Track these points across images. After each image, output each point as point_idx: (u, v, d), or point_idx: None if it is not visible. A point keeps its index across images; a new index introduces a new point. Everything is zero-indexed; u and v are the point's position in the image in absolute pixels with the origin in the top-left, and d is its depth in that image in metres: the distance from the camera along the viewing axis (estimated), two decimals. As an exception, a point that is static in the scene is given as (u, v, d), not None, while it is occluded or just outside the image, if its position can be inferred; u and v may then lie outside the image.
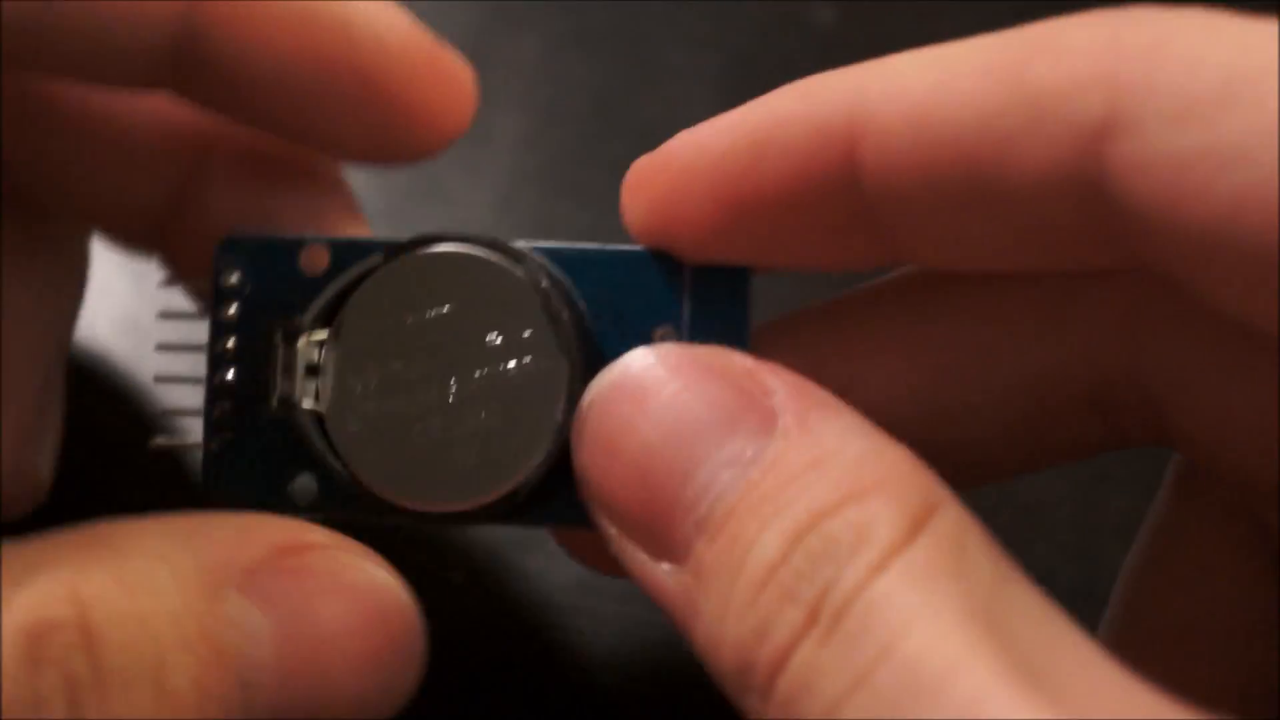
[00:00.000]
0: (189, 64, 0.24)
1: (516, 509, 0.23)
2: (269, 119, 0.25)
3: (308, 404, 0.23)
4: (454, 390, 0.23)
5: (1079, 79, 0.19)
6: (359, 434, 0.23)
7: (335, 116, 0.25)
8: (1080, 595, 0.21)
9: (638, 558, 0.21)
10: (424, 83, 0.25)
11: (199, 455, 0.24)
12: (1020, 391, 0.23)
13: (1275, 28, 0.19)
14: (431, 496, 0.23)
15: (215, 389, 0.24)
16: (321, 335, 0.24)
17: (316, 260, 0.24)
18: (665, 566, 0.21)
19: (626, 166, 0.23)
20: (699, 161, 0.22)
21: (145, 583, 0.21)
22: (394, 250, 0.24)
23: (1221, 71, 0.18)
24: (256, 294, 0.24)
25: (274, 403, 0.24)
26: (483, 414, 0.23)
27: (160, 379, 0.26)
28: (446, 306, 0.23)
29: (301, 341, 0.24)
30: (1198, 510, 0.23)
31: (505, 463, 0.23)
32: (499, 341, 0.23)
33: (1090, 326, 0.23)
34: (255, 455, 0.24)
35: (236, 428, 0.24)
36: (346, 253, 0.24)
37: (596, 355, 0.23)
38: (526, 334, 0.23)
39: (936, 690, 0.17)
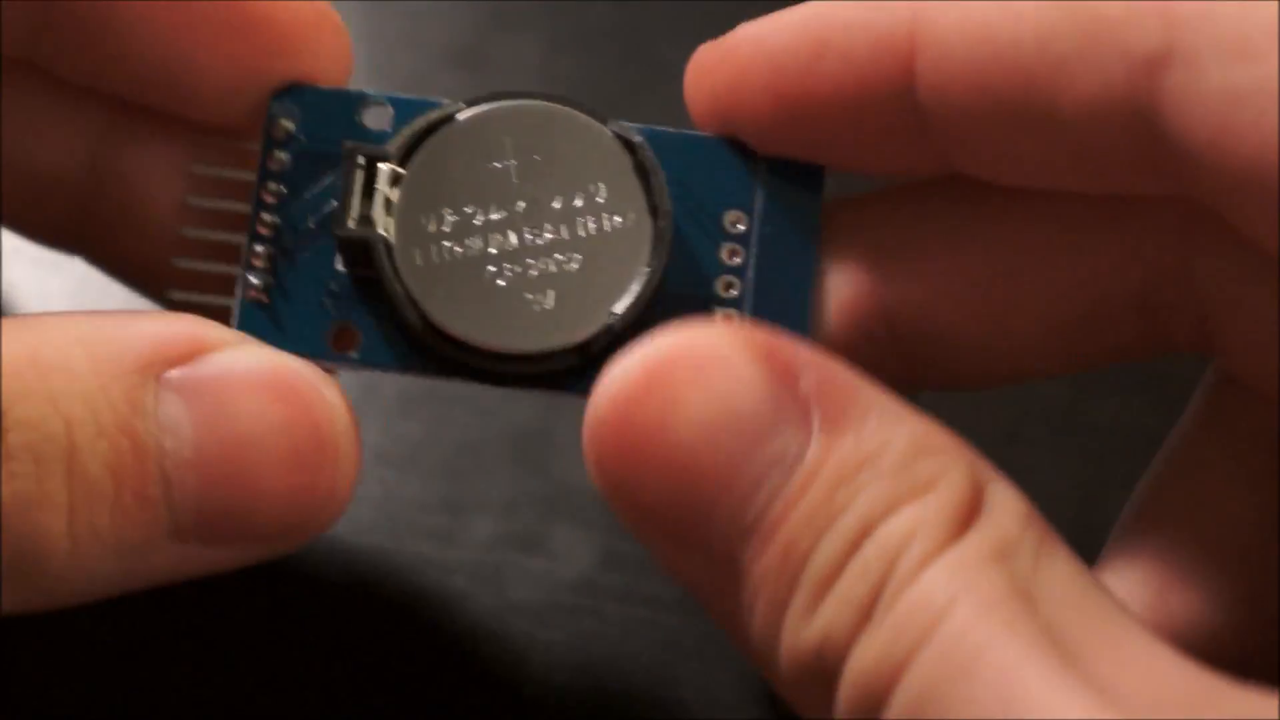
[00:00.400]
0: (51, 14, 0.23)
1: (586, 366, 0.22)
2: (127, 66, 0.24)
3: (381, 230, 0.23)
4: (532, 238, 0.23)
5: (1136, 7, 0.19)
6: (428, 270, 0.23)
7: (203, 61, 0.23)
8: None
9: (671, 556, 0.21)
10: (294, 26, 0.24)
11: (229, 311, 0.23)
12: (1073, 290, 0.23)
13: None
14: (503, 335, 0.22)
15: (255, 236, 0.23)
16: (400, 169, 0.23)
17: (379, 117, 0.24)
18: (706, 564, 0.20)
19: (626, 166, 0.23)
20: (758, 55, 0.22)
21: (60, 363, 0.20)
22: (477, 100, 0.23)
23: (1277, 10, 0.18)
24: (312, 144, 0.24)
25: (351, 224, 0.23)
26: (563, 262, 0.23)
27: (189, 233, 0.24)
28: (529, 157, 0.23)
29: (384, 167, 0.23)
30: (1226, 425, 0.23)
31: (584, 309, 0.22)
32: (583, 196, 0.23)
33: (1146, 229, 0.23)
34: (295, 304, 0.23)
35: (274, 276, 0.23)
36: (411, 113, 0.24)
37: (674, 234, 0.23)
38: (612, 190, 0.23)
39: (971, 668, 0.18)
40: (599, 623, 0.28)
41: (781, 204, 0.23)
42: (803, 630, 0.19)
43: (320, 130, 0.24)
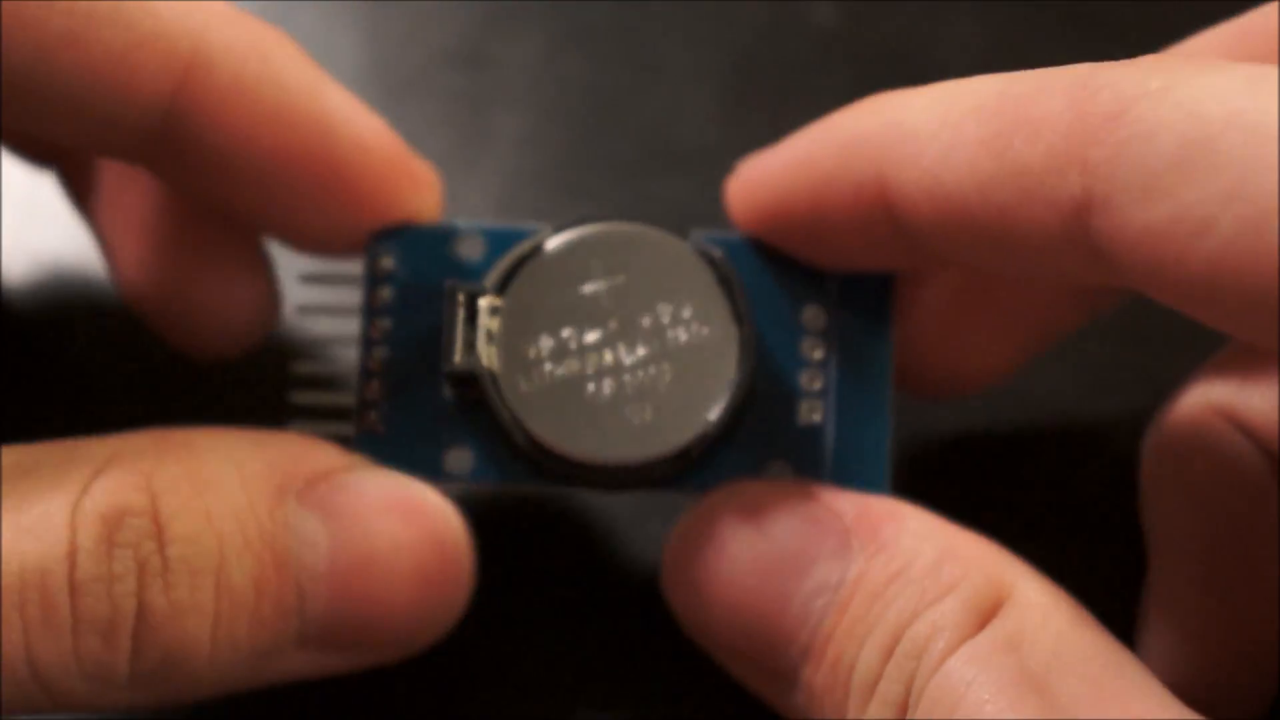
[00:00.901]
0: (170, 144, 0.24)
1: (686, 469, 0.24)
2: (237, 203, 0.25)
3: (485, 362, 0.24)
4: (625, 356, 0.24)
5: (1053, 159, 0.20)
6: (531, 393, 0.24)
7: (304, 209, 0.25)
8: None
9: (756, 682, 0.23)
10: (395, 182, 0.25)
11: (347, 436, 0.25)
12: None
13: (1236, 72, 0.19)
14: (606, 449, 0.24)
15: (367, 371, 0.25)
16: (498, 301, 0.24)
17: (471, 248, 0.25)
18: (782, 687, 0.23)
19: (626, 166, 0.23)
20: (773, 198, 0.24)
21: (214, 481, 0.22)
22: (563, 226, 0.24)
23: (1177, 138, 0.19)
24: (413, 278, 0.25)
25: (457, 359, 0.24)
26: (656, 376, 0.24)
27: (304, 310, 0.26)
28: (617, 278, 0.24)
29: (483, 302, 0.24)
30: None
31: (680, 418, 0.24)
32: (670, 310, 0.24)
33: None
34: (407, 431, 0.25)
35: (388, 406, 0.25)
36: (500, 241, 0.25)
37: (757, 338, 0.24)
38: (697, 303, 0.24)
39: None
40: (599, 622, 0.28)
41: (856, 298, 0.25)
42: None
43: (418, 264, 0.25)
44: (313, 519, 0.22)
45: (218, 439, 0.23)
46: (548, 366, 0.24)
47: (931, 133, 0.22)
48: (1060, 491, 0.29)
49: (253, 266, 0.28)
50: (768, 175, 0.25)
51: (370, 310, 0.25)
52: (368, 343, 0.25)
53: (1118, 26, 0.35)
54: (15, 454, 0.21)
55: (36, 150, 0.29)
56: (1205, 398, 0.25)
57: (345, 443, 0.24)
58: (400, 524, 0.23)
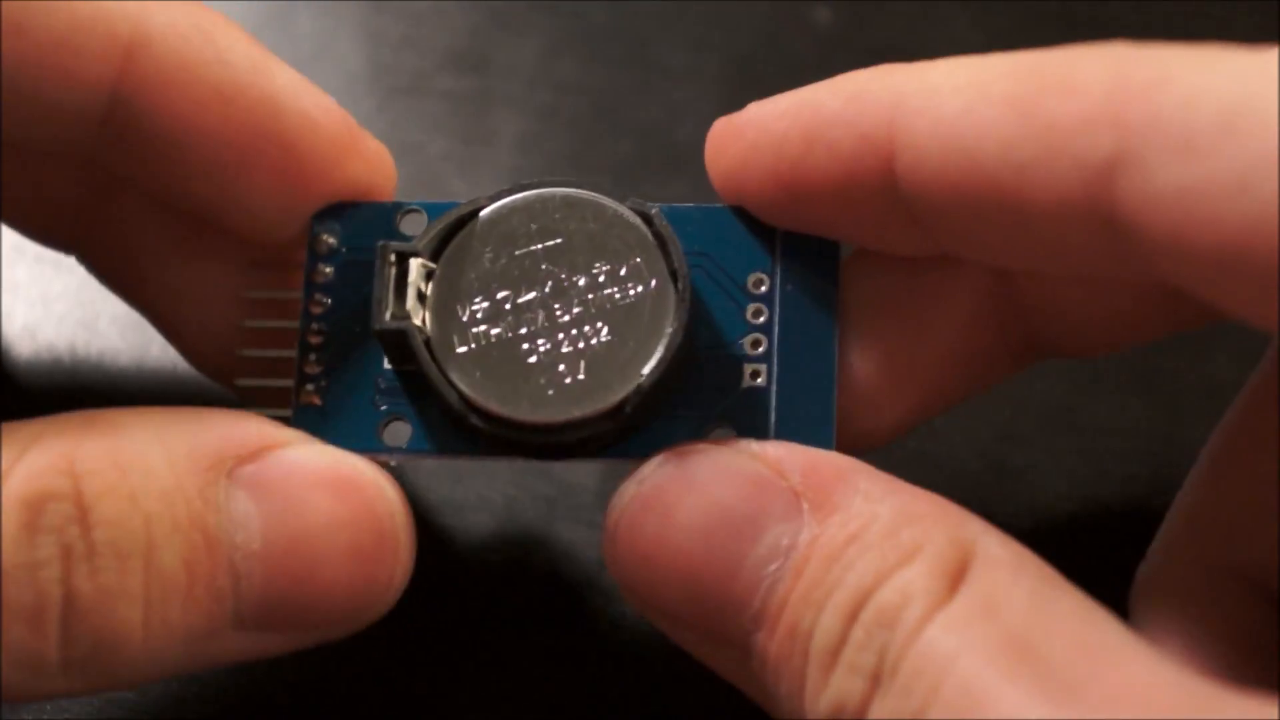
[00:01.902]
0: (116, 130, 0.24)
1: (625, 433, 0.23)
2: (185, 187, 0.25)
3: (417, 322, 0.24)
4: (560, 316, 0.24)
5: (1087, 117, 0.20)
6: (465, 355, 0.24)
7: (254, 190, 0.25)
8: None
9: (701, 650, 0.22)
10: (345, 159, 0.25)
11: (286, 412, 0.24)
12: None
13: (1274, 57, 0.19)
14: (540, 409, 0.23)
15: (306, 345, 0.25)
16: (431, 265, 0.24)
17: (414, 224, 0.25)
18: (730, 655, 0.22)
19: (626, 167, 0.23)
20: (762, 140, 0.23)
21: (139, 462, 0.21)
22: (500, 193, 0.24)
23: (1220, 104, 0.19)
24: (353, 254, 0.25)
25: (386, 318, 0.24)
26: (591, 335, 0.24)
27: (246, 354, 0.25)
28: (552, 240, 0.24)
29: (414, 262, 0.24)
30: None
31: (615, 376, 0.23)
32: (605, 270, 0.24)
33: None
34: (344, 404, 0.24)
35: (326, 380, 0.24)
36: (441, 214, 0.25)
37: (698, 304, 0.24)
38: (632, 263, 0.24)
39: (979, 718, 0.19)
40: (600, 623, 0.28)
41: (801, 265, 0.24)
42: (820, 702, 0.20)
43: (361, 241, 0.25)
44: (244, 497, 0.22)
45: (145, 418, 0.22)
46: (481, 327, 0.24)
47: (954, 88, 0.21)
48: (1058, 491, 0.29)
49: None
50: (761, 118, 0.24)
51: (310, 285, 0.25)
52: (307, 316, 0.25)
53: (1118, 27, 0.35)
54: None
55: (55, 236, 0.28)
56: (1197, 553, 0.24)
57: (285, 421, 0.24)
58: (333, 499, 0.22)
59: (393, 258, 0.24)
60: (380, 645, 0.27)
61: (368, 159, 0.25)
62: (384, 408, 0.24)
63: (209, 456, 0.22)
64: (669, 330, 0.23)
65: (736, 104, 0.24)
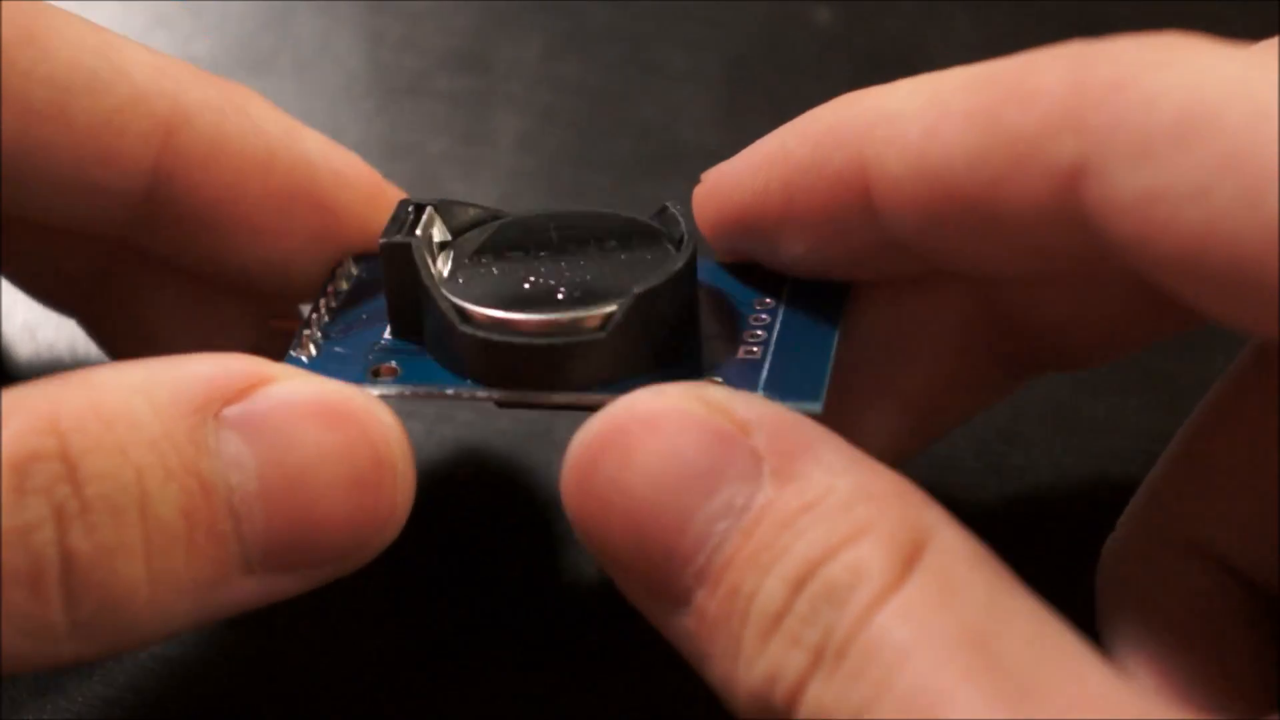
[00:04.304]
0: (156, 208, 0.25)
1: (614, 362, 0.23)
2: (217, 254, 0.26)
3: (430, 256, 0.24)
4: (563, 262, 0.24)
5: (1048, 124, 0.20)
6: (466, 280, 0.24)
7: (291, 251, 0.25)
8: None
9: (643, 601, 0.22)
10: (374, 212, 0.26)
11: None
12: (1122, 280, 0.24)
13: (1239, 53, 0.19)
14: (529, 314, 0.23)
15: (308, 321, 0.25)
16: (445, 232, 0.25)
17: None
18: (670, 609, 0.21)
19: (626, 167, 0.23)
20: (739, 197, 0.24)
21: (124, 413, 0.21)
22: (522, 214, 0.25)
23: (1178, 107, 0.19)
24: (369, 276, 0.25)
25: (396, 237, 0.24)
26: (593, 270, 0.24)
27: None
28: (570, 233, 0.25)
29: (428, 212, 0.24)
30: (1266, 379, 0.24)
31: (610, 294, 0.23)
32: (616, 241, 0.24)
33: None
34: (339, 355, 0.24)
35: (324, 338, 0.25)
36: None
37: (697, 339, 0.24)
38: (643, 239, 0.25)
39: (933, 718, 0.18)
40: (603, 621, 0.28)
41: (803, 313, 0.25)
42: (754, 668, 0.20)
43: (378, 271, 0.25)
44: (234, 438, 0.21)
45: (124, 370, 0.22)
46: (487, 267, 0.24)
47: (915, 111, 0.22)
48: (1058, 491, 0.29)
49: None
50: (737, 174, 0.24)
51: (323, 293, 0.26)
52: (323, 294, 0.25)
53: (1117, 27, 0.35)
54: None
55: (63, 302, 0.29)
56: (1163, 528, 0.25)
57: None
58: (326, 429, 0.22)
59: (410, 208, 0.24)
60: (376, 646, 0.27)
61: (391, 207, 0.26)
62: (375, 359, 0.24)
63: (194, 399, 0.21)
64: (671, 265, 0.24)
65: (736, 104, 0.24)
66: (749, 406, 0.22)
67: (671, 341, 0.24)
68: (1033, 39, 0.22)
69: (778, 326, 0.24)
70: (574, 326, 0.23)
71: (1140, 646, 0.24)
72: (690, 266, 0.24)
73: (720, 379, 0.24)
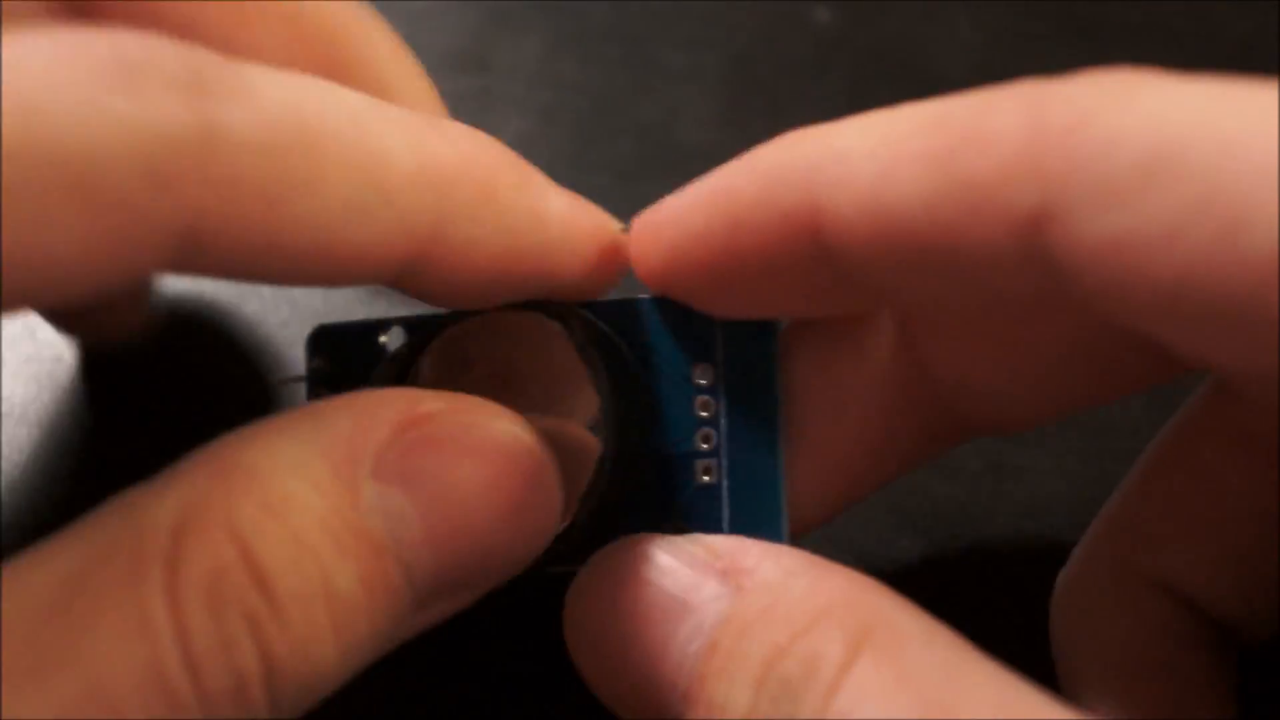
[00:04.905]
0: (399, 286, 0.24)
1: (580, 547, 0.24)
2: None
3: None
4: None
5: (1006, 170, 0.19)
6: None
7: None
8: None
9: None
10: (609, 269, 0.25)
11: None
12: (1077, 334, 0.24)
13: (1198, 87, 0.18)
14: None
15: None
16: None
17: (395, 338, 0.26)
18: None
19: (626, 167, 0.23)
20: (684, 237, 0.23)
21: (289, 500, 0.21)
22: (456, 316, 0.25)
23: (1141, 148, 0.18)
24: (343, 374, 0.26)
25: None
26: None
27: None
28: (501, 362, 0.25)
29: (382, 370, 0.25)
30: (1224, 414, 0.24)
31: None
32: (544, 389, 0.24)
33: None
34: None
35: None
36: (419, 328, 0.25)
37: (645, 394, 0.25)
38: (569, 382, 0.24)
39: None
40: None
41: (742, 352, 0.25)
42: None
43: (348, 361, 0.26)
44: (395, 493, 0.21)
45: (269, 447, 0.21)
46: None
47: (868, 152, 0.21)
48: (1058, 491, 0.30)
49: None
50: (676, 214, 0.23)
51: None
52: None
53: (1117, 27, 0.35)
54: (50, 569, 0.19)
55: (61, 319, 0.29)
56: (1119, 560, 0.25)
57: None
58: (478, 464, 0.22)
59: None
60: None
61: (622, 253, 0.25)
62: None
63: (347, 463, 0.21)
64: (596, 463, 0.24)
65: (735, 105, 0.24)
66: (706, 540, 0.23)
67: (623, 498, 0.24)
68: (1033, 39, 0.22)
69: (725, 443, 0.24)
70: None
71: (1097, 677, 0.24)
72: (614, 444, 0.24)
73: (685, 523, 0.24)
